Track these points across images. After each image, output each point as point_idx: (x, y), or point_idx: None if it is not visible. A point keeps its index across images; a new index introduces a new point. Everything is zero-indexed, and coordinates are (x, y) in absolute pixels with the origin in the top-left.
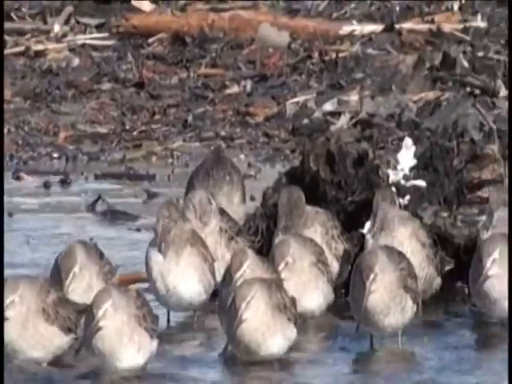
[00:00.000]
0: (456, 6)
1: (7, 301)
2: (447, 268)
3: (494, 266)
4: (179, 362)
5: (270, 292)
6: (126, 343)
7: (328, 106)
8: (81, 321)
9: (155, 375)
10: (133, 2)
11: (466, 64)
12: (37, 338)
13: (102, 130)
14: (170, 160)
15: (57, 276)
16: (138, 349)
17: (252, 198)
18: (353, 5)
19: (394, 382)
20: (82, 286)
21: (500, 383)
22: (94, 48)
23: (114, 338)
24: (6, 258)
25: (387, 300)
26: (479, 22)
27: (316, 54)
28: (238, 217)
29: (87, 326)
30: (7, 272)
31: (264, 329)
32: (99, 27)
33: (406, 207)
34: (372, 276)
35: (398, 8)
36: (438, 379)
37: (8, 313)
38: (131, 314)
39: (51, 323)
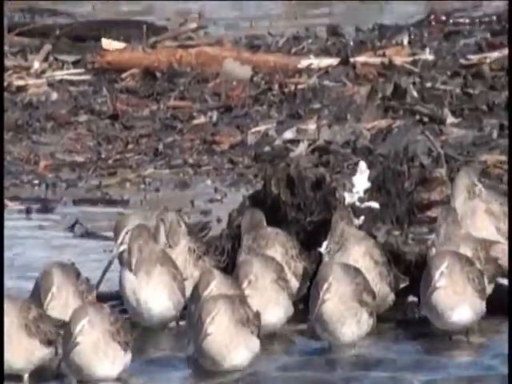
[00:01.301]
0: (406, 41)
1: None
2: (402, 285)
3: (441, 279)
4: (148, 373)
5: (233, 307)
6: (102, 357)
7: (288, 134)
8: (60, 334)
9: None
10: (103, 43)
11: (415, 94)
12: (20, 350)
13: (80, 158)
14: (143, 186)
15: (37, 295)
16: (113, 361)
17: (218, 220)
18: (310, 40)
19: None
20: (60, 304)
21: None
22: (71, 83)
23: (91, 352)
24: None
25: (342, 309)
26: (427, 55)
27: (276, 86)
28: None
29: (66, 342)
30: None
31: (228, 342)
32: (76, 63)
33: (360, 227)
34: (326, 285)
35: (352, 43)
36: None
37: None
38: (106, 329)
39: (33, 337)
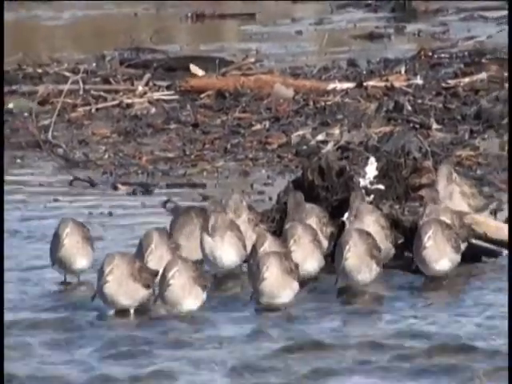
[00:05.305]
0: (403, 70)
1: (108, 269)
2: (399, 242)
3: (429, 240)
4: (220, 308)
5: (280, 260)
6: (187, 295)
7: (320, 137)
8: (155, 280)
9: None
10: (191, 69)
11: (410, 108)
12: (128, 292)
13: (171, 154)
14: (216, 174)
15: (140, 252)
16: (195, 298)
17: (270, 199)
18: (335, 70)
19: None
20: (157, 257)
21: (434, 314)
22: (165, 101)
23: (179, 291)
24: (110, 239)
25: (358, 263)
26: (418, 80)
27: (311, 103)
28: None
29: (161, 284)
30: (113, 248)
31: (277, 285)
32: (168, 87)
33: (371, 203)
34: (347, 247)
35: (364, 72)
36: (395, 311)
37: (108, 277)
38: (190, 275)
39: (137, 282)
